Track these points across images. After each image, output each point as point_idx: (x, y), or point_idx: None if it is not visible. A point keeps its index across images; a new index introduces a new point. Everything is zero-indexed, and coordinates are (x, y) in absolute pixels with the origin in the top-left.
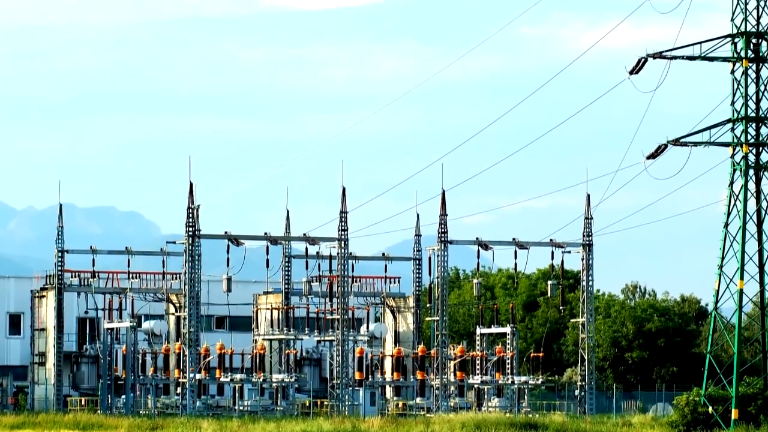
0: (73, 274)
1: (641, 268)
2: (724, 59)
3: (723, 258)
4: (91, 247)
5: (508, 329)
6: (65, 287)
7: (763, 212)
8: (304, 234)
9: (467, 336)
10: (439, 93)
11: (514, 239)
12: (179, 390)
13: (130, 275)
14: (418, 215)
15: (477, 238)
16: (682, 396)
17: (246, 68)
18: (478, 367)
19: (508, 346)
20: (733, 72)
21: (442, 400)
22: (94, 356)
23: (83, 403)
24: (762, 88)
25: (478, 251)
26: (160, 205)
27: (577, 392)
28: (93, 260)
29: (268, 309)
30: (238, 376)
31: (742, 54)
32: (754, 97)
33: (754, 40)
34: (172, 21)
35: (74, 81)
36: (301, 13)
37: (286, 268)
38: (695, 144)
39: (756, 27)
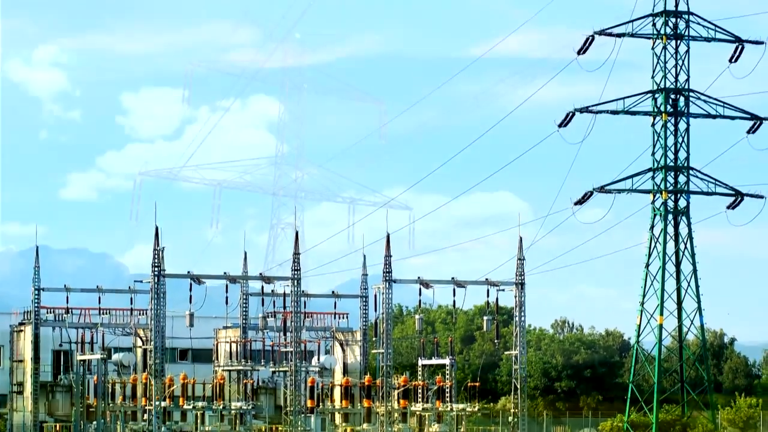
0: (49, 310)
1: (569, 304)
2: (645, 113)
3: (644, 295)
4: (65, 285)
5: (447, 361)
6: (41, 322)
7: (681, 254)
8: (261, 274)
9: (410, 367)
10: (383, 145)
11: (452, 278)
12: (146, 416)
13: (101, 311)
14: (364, 256)
15: (419, 277)
16: (607, 422)
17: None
18: (419, 395)
19: (447, 377)
20: (653, 125)
21: (387, 425)
22: (68, 386)
23: (58, 429)
24: (680, 139)
25: (420, 289)
26: (128, 247)
27: (510, 419)
28: (67, 297)
29: (228, 342)
30: (199, 404)
31: (662, 108)
32: (672, 148)
33: (672, 96)
34: (141, 78)
35: (52, 134)
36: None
37: (244, 305)
38: (619, 191)
39: (674, 84)
